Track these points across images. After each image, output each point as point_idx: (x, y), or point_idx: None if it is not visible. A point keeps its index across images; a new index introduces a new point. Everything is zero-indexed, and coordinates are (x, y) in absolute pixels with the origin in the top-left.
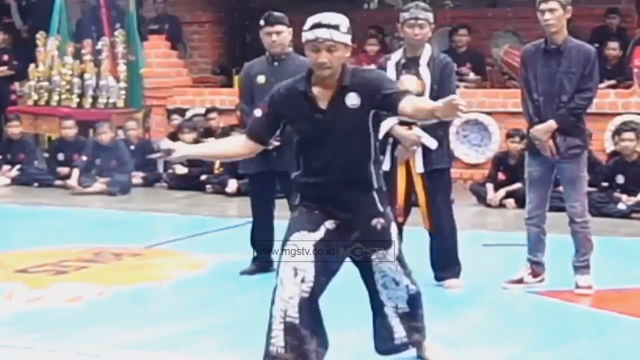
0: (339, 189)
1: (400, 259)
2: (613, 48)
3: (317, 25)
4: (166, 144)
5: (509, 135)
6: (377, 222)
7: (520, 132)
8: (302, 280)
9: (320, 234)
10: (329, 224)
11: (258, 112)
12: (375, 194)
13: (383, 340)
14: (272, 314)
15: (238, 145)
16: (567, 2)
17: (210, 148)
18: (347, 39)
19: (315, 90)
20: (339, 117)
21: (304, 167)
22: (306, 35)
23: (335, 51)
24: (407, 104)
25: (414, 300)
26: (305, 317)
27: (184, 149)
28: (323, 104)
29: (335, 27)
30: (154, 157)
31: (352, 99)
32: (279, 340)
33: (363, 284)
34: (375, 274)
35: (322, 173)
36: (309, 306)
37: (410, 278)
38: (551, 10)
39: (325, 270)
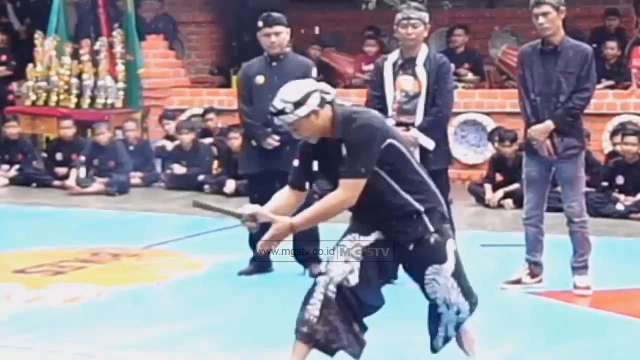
0: (379, 219)
1: (457, 276)
2: (612, 48)
3: (272, 114)
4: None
5: (501, 139)
6: (430, 236)
7: (512, 134)
8: (350, 271)
9: (371, 239)
10: (380, 235)
11: (295, 162)
12: (424, 217)
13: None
14: (316, 282)
15: (286, 197)
16: (559, 3)
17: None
18: (304, 111)
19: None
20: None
21: None
22: None
23: (300, 128)
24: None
25: (459, 326)
26: (343, 300)
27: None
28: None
29: (282, 112)
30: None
31: (344, 150)
32: (314, 309)
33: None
34: (427, 290)
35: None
36: (350, 295)
37: (465, 298)
38: (544, 14)
39: (372, 274)
